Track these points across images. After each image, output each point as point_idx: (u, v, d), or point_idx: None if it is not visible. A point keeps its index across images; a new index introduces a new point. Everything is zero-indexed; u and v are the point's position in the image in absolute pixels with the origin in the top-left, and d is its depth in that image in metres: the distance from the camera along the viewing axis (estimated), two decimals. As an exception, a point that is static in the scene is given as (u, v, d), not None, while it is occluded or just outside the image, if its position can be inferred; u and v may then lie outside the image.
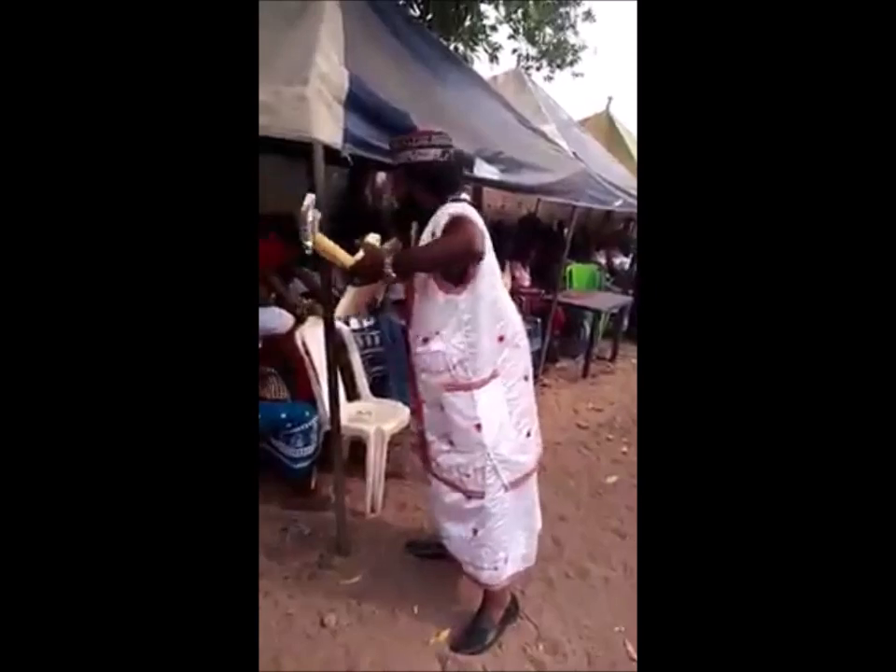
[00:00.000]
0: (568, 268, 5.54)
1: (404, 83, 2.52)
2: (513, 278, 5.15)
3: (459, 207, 1.59)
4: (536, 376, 4.53)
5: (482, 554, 1.80)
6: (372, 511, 2.54)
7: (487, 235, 1.59)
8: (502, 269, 5.02)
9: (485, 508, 1.75)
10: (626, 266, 7.18)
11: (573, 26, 7.68)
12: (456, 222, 1.56)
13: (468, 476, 1.75)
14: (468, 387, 1.67)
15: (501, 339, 1.69)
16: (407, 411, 2.70)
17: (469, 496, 1.76)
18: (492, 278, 1.65)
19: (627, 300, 5.30)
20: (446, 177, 1.67)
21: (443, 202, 1.65)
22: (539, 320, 4.38)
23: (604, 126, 7.18)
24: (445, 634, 1.87)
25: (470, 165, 1.72)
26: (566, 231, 4.60)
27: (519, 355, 1.74)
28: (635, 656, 1.84)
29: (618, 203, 5.02)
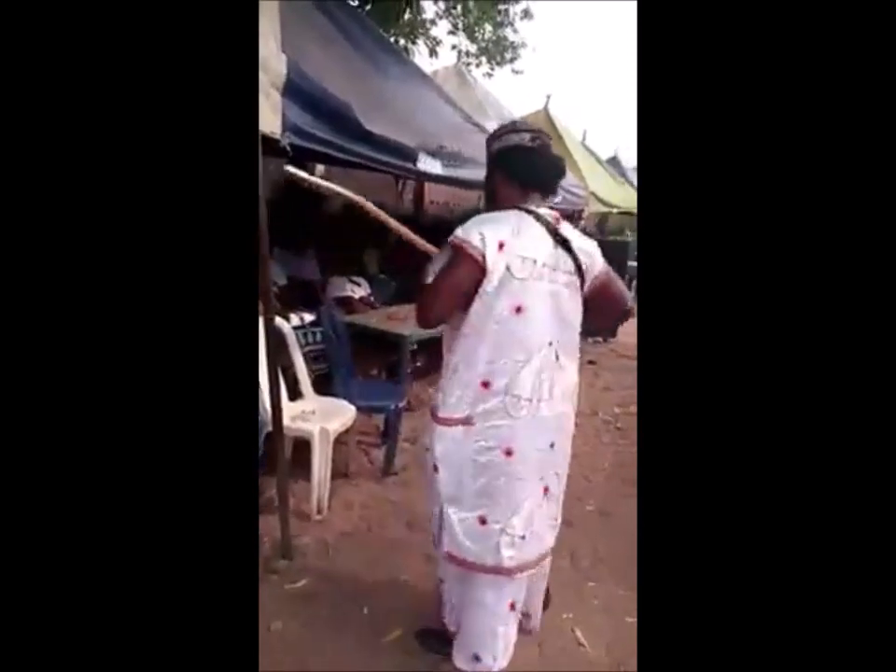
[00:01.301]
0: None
1: (345, 74, 2.46)
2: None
3: (477, 228, 1.31)
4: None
5: (441, 594, 1.68)
6: (318, 512, 2.48)
7: (503, 268, 1.31)
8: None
9: (438, 556, 1.58)
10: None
11: (512, 24, 7.78)
12: (447, 264, 1.34)
13: (432, 515, 1.55)
14: (433, 417, 1.45)
15: (486, 385, 1.37)
16: (352, 409, 2.64)
17: (432, 538, 1.57)
18: (492, 314, 1.33)
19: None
20: (530, 165, 1.40)
21: (525, 197, 1.40)
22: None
23: (543, 123, 7.31)
24: (398, 633, 1.85)
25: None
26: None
27: (512, 421, 1.36)
28: (583, 641, 1.88)
29: (557, 199, 5.12)
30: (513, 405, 1.37)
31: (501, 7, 7.54)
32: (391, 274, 5.11)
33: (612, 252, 6.38)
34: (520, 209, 1.40)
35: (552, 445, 1.45)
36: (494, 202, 1.47)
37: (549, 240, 1.38)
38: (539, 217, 1.39)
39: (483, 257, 1.30)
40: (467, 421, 1.40)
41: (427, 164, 2.63)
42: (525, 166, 1.40)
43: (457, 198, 7.74)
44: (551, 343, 1.39)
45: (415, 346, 4.01)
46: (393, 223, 1.77)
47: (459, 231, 1.34)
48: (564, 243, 1.39)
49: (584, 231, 1.58)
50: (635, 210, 8.98)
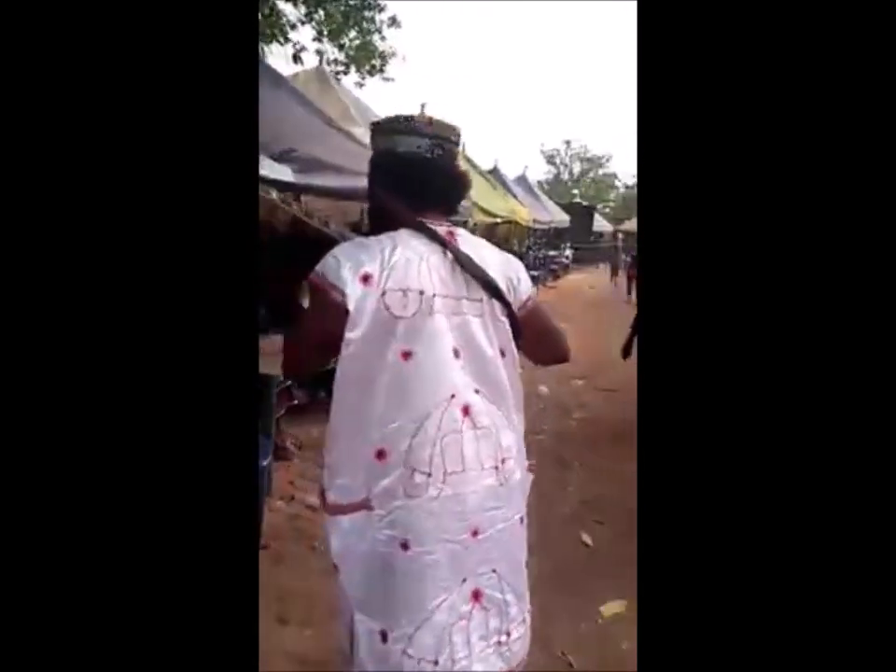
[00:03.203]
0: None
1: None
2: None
3: (337, 259, 1.04)
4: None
5: None
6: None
7: (375, 307, 1.01)
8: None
9: None
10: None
11: (379, 31, 7.51)
12: (308, 307, 1.12)
13: (341, 629, 1.15)
14: (323, 503, 1.13)
15: (381, 456, 1.04)
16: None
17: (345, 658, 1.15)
18: (379, 363, 1.03)
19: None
20: (425, 179, 1.08)
21: (418, 215, 1.08)
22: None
23: (419, 134, 7.11)
24: None
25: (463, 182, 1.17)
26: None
27: (409, 502, 1.03)
28: None
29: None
30: (408, 481, 1.03)
31: (367, 13, 7.25)
32: (260, 301, 4.53)
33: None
34: (404, 227, 1.08)
35: (474, 533, 1.06)
36: (378, 220, 1.15)
37: (443, 262, 1.06)
38: (431, 235, 1.06)
39: (343, 294, 1.01)
40: (365, 504, 1.05)
41: (272, 170, 2.17)
42: (418, 180, 1.09)
43: (339, 212, 7.24)
44: (454, 396, 1.05)
45: (289, 383, 3.52)
46: None
47: (318, 265, 1.06)
48: (465, 262, 1.07)
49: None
50: (517, 220, 9.09)
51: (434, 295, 1.04)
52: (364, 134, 4.23)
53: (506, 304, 1.10)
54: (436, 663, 1.03)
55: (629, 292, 11.34)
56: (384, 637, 1.04)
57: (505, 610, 1.10)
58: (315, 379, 3.80)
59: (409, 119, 1.13)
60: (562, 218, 15.05)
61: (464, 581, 1.06)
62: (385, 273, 1.01)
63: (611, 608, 2.14)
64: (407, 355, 1.02)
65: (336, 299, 1.01)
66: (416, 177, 1.09)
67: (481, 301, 1.08)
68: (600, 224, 23.88)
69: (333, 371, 1.08)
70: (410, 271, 1.03)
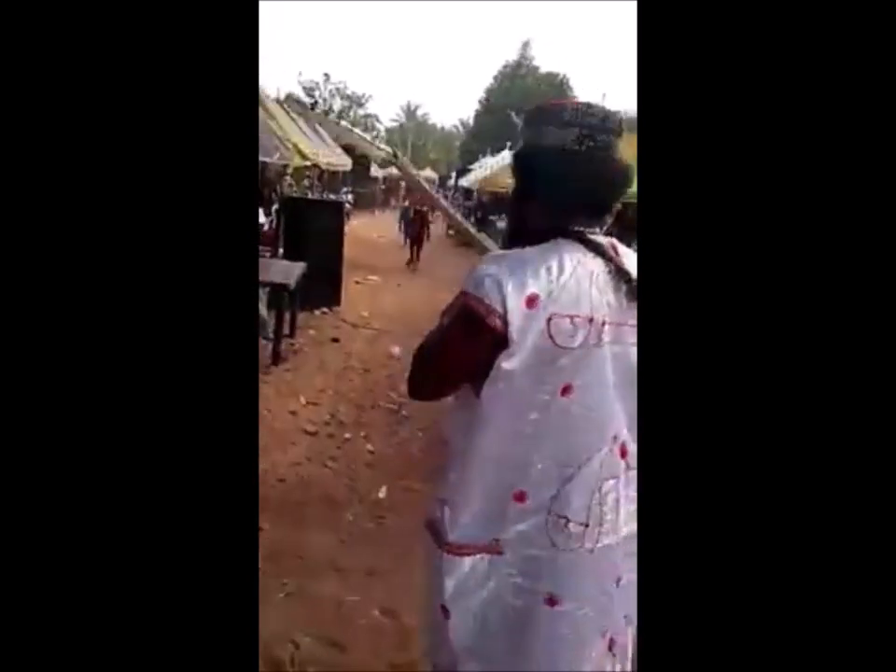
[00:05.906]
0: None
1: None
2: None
3: (495, 273, 0.88)
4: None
5: None
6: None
7: (538, 335, 0.87)
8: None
9: None
10: (264, 223, 6.51)
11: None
12: (448, 324, 0.94)
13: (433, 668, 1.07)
14: (437, 539, 1.00)
15: (520, 498, 0.94)
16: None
17: None
18: (528, 400, 0.91)
19: (301, 266, 4.72)
20: (571, 178, 0.92)
21: (567, 220, 0.94)
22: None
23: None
24: None
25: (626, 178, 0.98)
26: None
27: (556, 554, 0.95)
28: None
29: (277, 155, 4.35)
30: (558, 531, 0.94)
31: None
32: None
33: (328, 213, 6.00)
34: (564, 236, 0.93)
35: (617, 581, 1.01)
36: (520, 227, 1.02)
37: (611, 282, 0.93)
38: (595, 249, 0.92)
39: (504, 320, 0.86)
40: (492, 548, 0.97)
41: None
42: (563, 179, 0.94)
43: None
44: (616, 438, 0.95)
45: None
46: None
47: (470, 281, 0.91)
48: (631, 284, 0.93)
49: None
50: (319, 163, 8.51)
51: (604, 323, 0.91)
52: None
53: None
54: None
55: (411, 257, 10.54)
56: None
57: (627, 655, 1.08)
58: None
59: (554, 106, 0.99)
60: (345, 161, 14.61)
61: (604, 632, 1.02)
62: (553, 296, 0.87)
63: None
64: (567, 390, 0.91)
65: (495, 324, 0.86)
66: (559, 174, 0.93)
67: (635, 326, 0.96)
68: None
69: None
70: (581, 294, 0.89)
